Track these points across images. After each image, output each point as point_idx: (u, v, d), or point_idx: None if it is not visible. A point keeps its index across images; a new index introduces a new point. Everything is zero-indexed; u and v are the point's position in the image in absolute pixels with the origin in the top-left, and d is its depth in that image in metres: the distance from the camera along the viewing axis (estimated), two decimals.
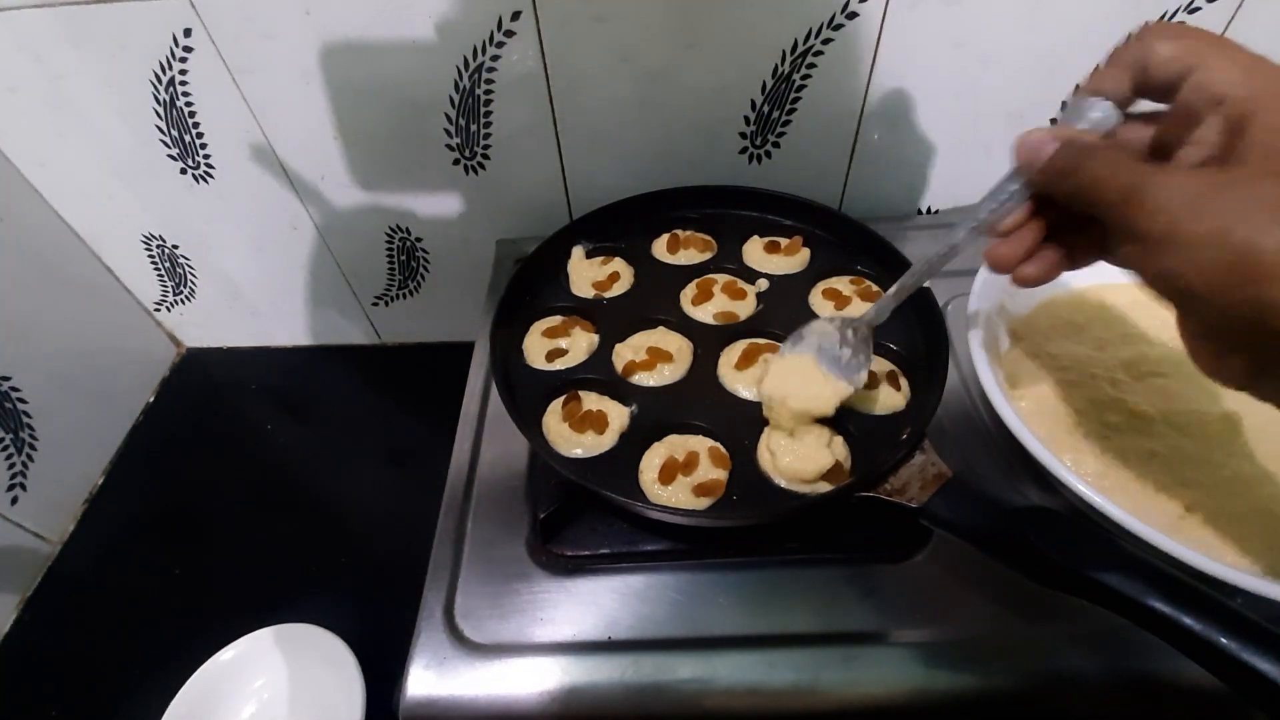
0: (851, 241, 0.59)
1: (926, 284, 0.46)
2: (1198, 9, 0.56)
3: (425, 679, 0.43)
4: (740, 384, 0.50)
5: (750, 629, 0.44)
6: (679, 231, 0.62)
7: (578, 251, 0.60)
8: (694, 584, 0.46)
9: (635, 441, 0.47)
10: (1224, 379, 0.31)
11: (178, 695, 0.59)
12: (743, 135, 0.66)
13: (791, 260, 0.59)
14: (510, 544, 0.49)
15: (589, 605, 0.45)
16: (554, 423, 0.48)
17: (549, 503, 0.47)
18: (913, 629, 0.43)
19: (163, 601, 0.70)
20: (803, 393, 0.44)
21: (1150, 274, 0.30)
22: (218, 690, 0.61)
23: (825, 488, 0.43)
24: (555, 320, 0.55)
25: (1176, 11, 0.56)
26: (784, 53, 0.59)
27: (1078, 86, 0.35)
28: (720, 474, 0.45)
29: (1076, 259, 0.36)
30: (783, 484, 0.44)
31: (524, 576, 0.47)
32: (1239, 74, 0.30)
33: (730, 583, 0.46)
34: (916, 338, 0.51)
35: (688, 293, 0.57)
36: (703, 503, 0.44)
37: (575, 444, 0.47)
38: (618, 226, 0.62)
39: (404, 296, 0.85)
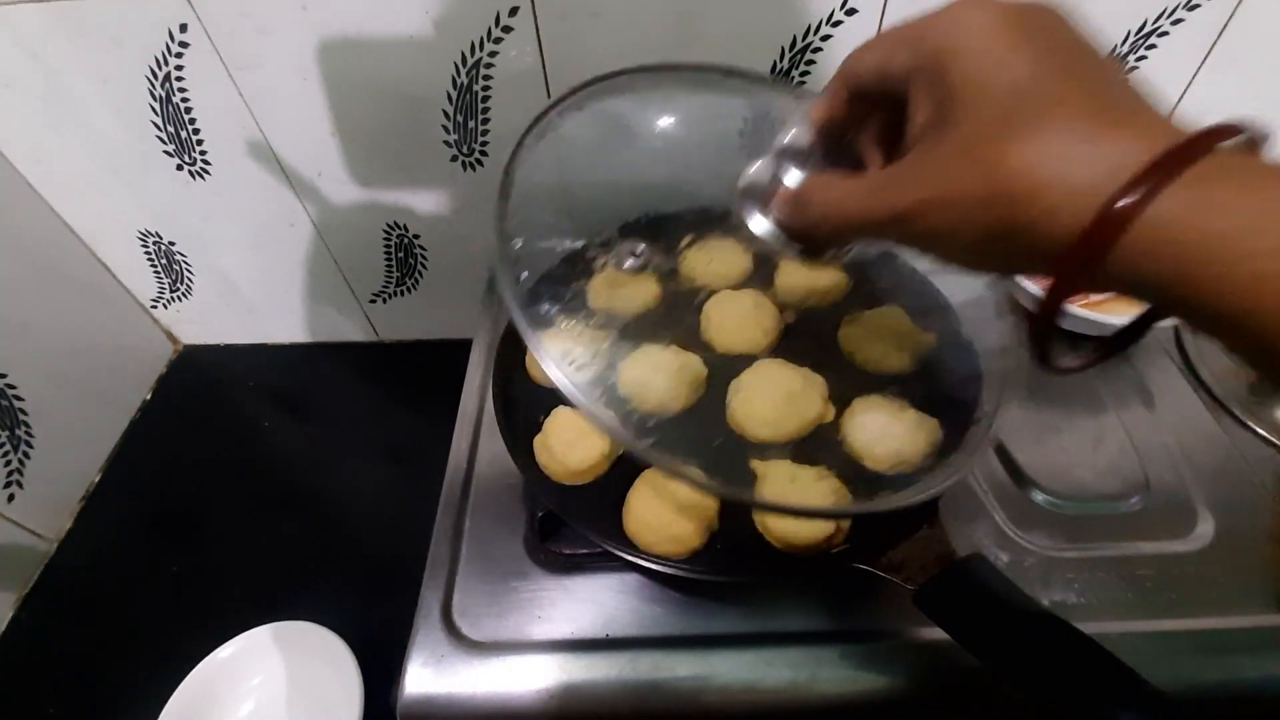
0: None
1: None
2: (1196, 6, 0.56)
3: (423, 676, 0.43)
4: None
5: (748, 627, 0.44)
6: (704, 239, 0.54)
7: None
8: (692, 582, 0.46)
9: (627, 469, 0.46)
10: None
11: (175, 693, 0.59)
12: (741, 134, 0.66)
13: (826, 283, 0.51)
14: (508, 542, 0.49)
15: (587, 603, 0.45)
16: (541, 445, 0.46)
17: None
18: (911, 627, 0.43)
19: (160, 599, 0.70)
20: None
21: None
22: (215, 688, 0.61)
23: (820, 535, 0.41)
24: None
25: (1175, 9, 0.56)
26: (783, 49, 0.59)
27: None
28: (710, 520, 0.43)
29: None
30: (774, 541, 0.42)
31: (522, 574, 0.47)
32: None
33: (729, 581, 0.45)
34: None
35: (708, 314, 0.50)
36: (684, 549, 0.42)
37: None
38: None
39: (402, 293, 0.85)
